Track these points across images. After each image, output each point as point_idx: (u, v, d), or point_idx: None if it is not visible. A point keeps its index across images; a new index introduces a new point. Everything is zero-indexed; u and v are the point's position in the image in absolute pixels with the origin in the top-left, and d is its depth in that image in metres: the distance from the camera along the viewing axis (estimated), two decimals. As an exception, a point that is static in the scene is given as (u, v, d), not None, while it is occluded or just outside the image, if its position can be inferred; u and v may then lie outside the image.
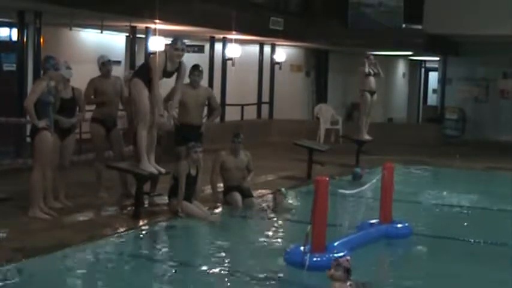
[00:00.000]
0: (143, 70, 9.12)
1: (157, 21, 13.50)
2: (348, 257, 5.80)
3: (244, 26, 16.02)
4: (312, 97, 22.87)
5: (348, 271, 5.66)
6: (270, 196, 10.57)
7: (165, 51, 9.04)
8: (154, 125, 8.99)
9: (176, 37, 9.21)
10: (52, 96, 8.64)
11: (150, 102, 8.84)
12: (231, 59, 17.66)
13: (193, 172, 9.34)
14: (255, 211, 9.98)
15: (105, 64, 9.89)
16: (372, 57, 14.74)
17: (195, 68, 10.03)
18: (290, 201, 10.71)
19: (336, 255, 6.87)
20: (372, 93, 14.55)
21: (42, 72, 8.84)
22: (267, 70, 19.92)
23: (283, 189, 10.50)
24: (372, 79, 14.48)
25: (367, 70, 14.32)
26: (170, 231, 8.81)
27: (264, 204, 10.32)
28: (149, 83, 8.84)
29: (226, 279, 6.80)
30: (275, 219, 9.62)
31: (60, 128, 9.03)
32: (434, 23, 18.70)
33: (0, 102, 13.29)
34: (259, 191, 10.95)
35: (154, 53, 9.29)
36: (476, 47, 20.94)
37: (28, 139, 10.24)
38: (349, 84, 22.81)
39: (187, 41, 18.64)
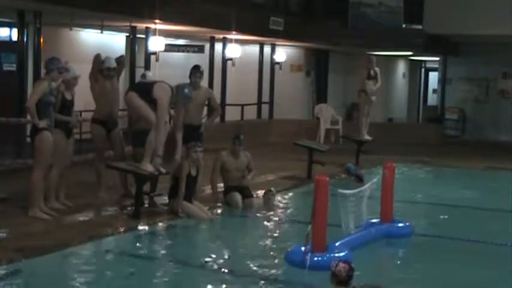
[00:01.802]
0: (143, 89, 9.13)
1: (157, 21, 13.50)
2: (344, 264, 5.53)
3: (244, 26, 16.02)
4: (312, 97, 22.87)
5: (344, 278, 5.47)
6: (262, 196, 10.59)
7: (171, 87, 9.10)
8: (166, 126, 8.99)
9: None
10: (53, 96, 8.64)
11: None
12: (231, 59, 17.66)
13: (193, 172, 9.34)
14: (255, 211, 9.98)
15: (110, 70, 9.84)
16: (374, 59, 14.83)
17: (196, 69, 10.02)
18: (289, 202, 10.72)
19: (337, 254, 6.89)
20: (371, 93, 14.62)
21: (44, 72, 8.82)
22: (267, 70, 19.91)
23: (273, 189, 10.53)
24: (371, 81, 14.56)
25: (366, 74, 14.42)
26: (170, 231, 8.81)
27: (261, 205, 10.31)
28: (145, 100, 8.94)
29: (226, 279, 6.80)
30: (275, 219, 9.62)
31: (67, 128, 9.04)
32: (434, 23, 18.71)
33: (0, 102, 13.28)
34: (260, 191, 10.93)
35: (156, 82, 9.29)
36: (476, 47, 20.95)
37: (28, 139, 10.23)
38: (349, 84, 22.82)
39: (187, 41, 18.75)
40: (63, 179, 9.25)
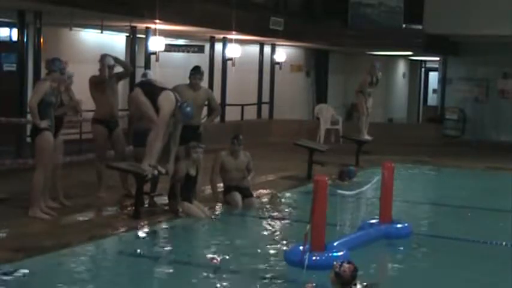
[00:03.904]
0: (150, 90, 9.14)
1: (157, 21, 13.51)
2: (349, 265, 5.53)
3: (244, 26, 16.03)
4: (312, 97, 22.87)
5: (349, 278, 5.46)
6: (267, 198, 10.63)
7: (176, 98, 9.10)
8: (160, 135, 9.01)
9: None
10: (54, 97, 8.65)
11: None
12: (231, 59, 17.66)
13: (192, 172, 9.35)
14: (255, 211, 9.99)
15: (109, 67, 9.85)
16: (377, 66, 14.89)
17: (197, 71, 10.01)
18: (289, 202, 10.74)
19: (335, 254, 6.90)
20: (368, 94, 14.70)
21: (46, 72, 8.82)
22: (267, 70, 19.92)
23: (277, 192, 10.64)
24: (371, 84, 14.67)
25: (369, 80, 14.52)
26: (170, 231, 8.82)
27: (261, 205, 10.32)
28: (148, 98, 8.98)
29: (226, 279, 6.81)
30: (275, 219, 9.63)
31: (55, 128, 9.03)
32: (434, 23, 18.69)
33: (0, 102, 13.28)
34: (259, 191, 10.95)
35: (165, 89, 9.26)
36: (476, 47, 20.93)
37: (28, 139, 10.23)
38: (349, 84, 22.82)
39: (187, 41, 18.76)
40: (57, 179, 9.21)
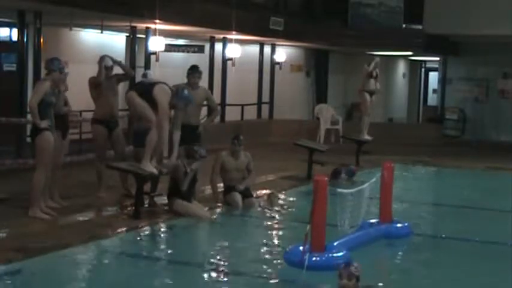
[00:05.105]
0: (143, 89, 9.14)
1: (157, 21, 13.51)
2: (355, 264, 5.56)
3: (244, 26, 16.03)
4: (312, 97, 22.87)
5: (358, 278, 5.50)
6: (265, 197, 10.63)
7: (171, 89, 9.10)
8: (166, 127, 9.01)
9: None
10: (54, 97, 8.65)
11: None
12: (231, 59, 17.66)
13: (188, 170, 9.33)
14: (255, 211, 9.99)
15: (107, 68, 9.86)
16: (378, 60, 14.87)
17: (195, 70, 10.01)
18: (289, 202, 10.74)
19: (335, 255, 6.89)
20: (371, 93, 14.67)
21: (46, 72, 8.82)
22: (267, 70, 19.91)
23: (275, 192, 10.67)
24: (372, 81, 14.61)
25: (370, 69, 14.45)
26: (170, 231, 8.82)
27: (261, 204, 10.33)
28: (145, 99, 8.97)
29: (226, 279, 6.81)
30: (275, 219, 9.63)
31: (63, 128, 9.03)
32: (434, 23, 18.69)
33: (0, 102, 13.28)
34: (260, 191, 10.95)
35: (157, 83, 9.24)
36: (476, 47, 20.93)
37: (28, 139, 10.23)
38: (349, 84, 22.84)
39: (187, 41, 18.76)
40: (55, 178, 9.21)
